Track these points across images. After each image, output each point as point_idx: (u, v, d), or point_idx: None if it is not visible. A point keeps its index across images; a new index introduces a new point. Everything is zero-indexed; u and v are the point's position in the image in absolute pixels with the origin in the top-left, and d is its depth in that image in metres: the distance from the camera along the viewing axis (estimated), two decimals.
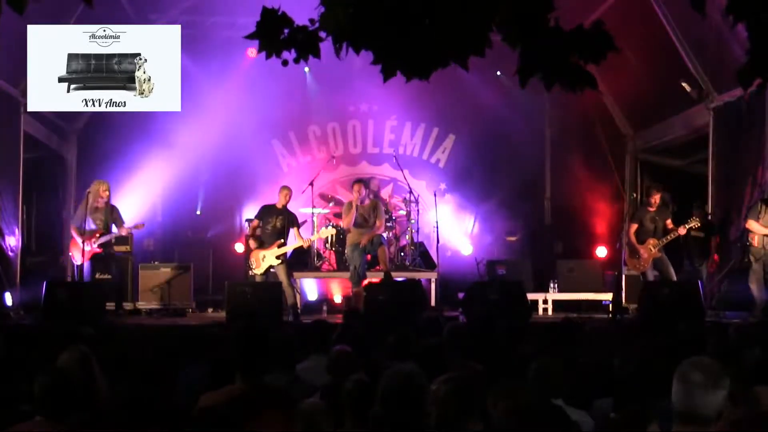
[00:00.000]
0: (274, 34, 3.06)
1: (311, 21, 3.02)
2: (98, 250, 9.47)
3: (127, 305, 10.16)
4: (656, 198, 9.79)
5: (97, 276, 9.82)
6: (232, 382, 3.83)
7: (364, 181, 10.30)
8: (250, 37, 3.12)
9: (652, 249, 9.66)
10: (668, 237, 9.64)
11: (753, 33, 2.95)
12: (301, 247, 10.25)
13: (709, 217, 10.25)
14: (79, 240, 9.38)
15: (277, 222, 9.71)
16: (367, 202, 10.04)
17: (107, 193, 9.54)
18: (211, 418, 3.16)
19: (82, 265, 9.42)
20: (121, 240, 10.44)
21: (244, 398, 3.62)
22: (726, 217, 10.10)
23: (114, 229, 9.65)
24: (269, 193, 10.88)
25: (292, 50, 3.09)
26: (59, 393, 3.53)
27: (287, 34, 3.07)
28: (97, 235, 9.47)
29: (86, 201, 9.48)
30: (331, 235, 10.91)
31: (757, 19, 2.90)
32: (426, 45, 2.83)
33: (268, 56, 3.10)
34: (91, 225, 9.44)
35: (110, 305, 9.49)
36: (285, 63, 3.15)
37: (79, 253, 9.35)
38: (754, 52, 2.96)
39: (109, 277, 9.92)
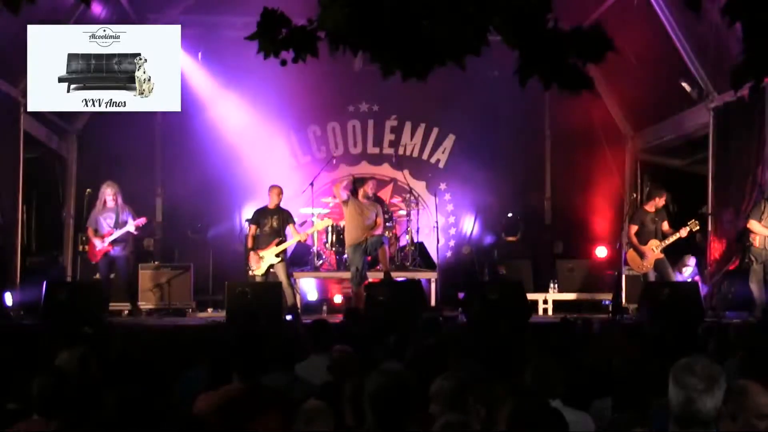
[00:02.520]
0: (273, 34, 3.06)
1: (310, 21, 3.02)
2: (109, 248, 9.70)
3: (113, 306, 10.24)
4: (661, 201, 9.77)
5: (97, 276, 9.89)
6: (230, 383, 3.83)
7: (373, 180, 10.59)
8: (251, 38, 3.12)
9: (655, 250, 9.66)
10: (670, 239, 9.64)
11: (748, 33, 2.94)
12: (300, 243, 10.25)
13: (709, 221, 10.23)
14: (93, 240, 9.74)
15: (273, 222, 9.73)
16: (368, 200, 10.13)
17: (113, 195, 9.79)
18: (208, 418, 3.16)
19: (97, 263, 9.83)
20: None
21: (242, 398, 3.62)
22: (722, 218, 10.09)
23: (126, 226, 9.79)
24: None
25: (291, 50, 3.09)
26: (58, 392, 3.54)
27: (285, 34, 3.07)
28: (108, 234, 9.72)
29: (98, 203, 9.87)
30: (331, 236, 10.91)
31: (752, 20, 2.90)
32: (423, 45, 2.83)
33: (266, 56, 3.10)
34: (102, 225, 9.77)
35: (124, 305, 9.69)
36: (284, 63, 3.15)
37: (93, 252, 9.77)
38: (748, 53, 2.96)
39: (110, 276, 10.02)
